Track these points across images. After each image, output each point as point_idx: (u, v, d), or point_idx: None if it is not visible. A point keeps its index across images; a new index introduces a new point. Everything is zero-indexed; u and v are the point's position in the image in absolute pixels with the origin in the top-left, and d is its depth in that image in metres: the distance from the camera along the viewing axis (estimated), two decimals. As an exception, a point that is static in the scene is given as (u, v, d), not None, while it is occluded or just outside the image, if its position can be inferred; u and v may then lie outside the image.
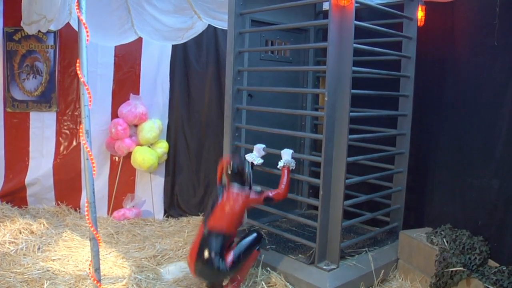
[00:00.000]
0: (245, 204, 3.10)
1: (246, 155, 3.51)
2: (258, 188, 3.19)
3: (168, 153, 5.05)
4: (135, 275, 3.44)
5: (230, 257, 2.92)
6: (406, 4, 3.68)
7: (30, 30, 4.59)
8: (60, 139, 5.06)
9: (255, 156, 3.49)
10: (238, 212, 3.05)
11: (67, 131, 5.05)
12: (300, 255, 3.43)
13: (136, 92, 4.98)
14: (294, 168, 3.36)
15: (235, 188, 3.11)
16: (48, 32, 4.83)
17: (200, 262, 2.90)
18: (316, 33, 4.38)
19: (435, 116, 3.74)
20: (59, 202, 5.02)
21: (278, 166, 3.35)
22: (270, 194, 3.17)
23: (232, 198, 3.07)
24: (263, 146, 3.51)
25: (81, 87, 2.54)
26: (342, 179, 3.15)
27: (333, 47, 3.09)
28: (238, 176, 3.14)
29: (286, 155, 3.35)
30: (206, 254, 2.88)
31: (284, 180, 3.25)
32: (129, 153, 4.87)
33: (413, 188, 3.86)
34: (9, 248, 3.81)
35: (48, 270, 3.44)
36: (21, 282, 3.24)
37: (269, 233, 3.83)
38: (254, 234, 3.14)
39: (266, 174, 3.58)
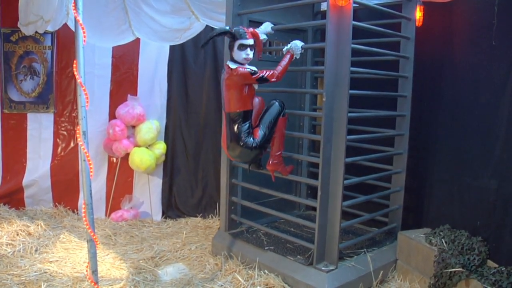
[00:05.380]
0: (237, 80, 3.04)
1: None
2: (254, 68, 3.10)
3: (166, 154, 5.04)
4: (133, 277, 3.43)
5: (258, 131, 3.15)
6: (404, 5, 3.67)
7: (27, 31, 4.57)
8: (58, 140, 5.04)
9: (261, 30, 3.26)
10: (237, 90, 3.07)
11: (65, 132, 5.03)
12: (298, 256, 3.42)
13: (134, 93, 4.97)
14: (298, 57, 3.25)
15: (229, 64, 3.09)
16: (46, 33, 4.81)
17: (231, 144, 3.15)
18: (314, 34, 4.37)
19: (433, 116, 3.74)
20: (56, 204, 5.00)
21: (283, 50, 3.24)
22: (264, 75, 3.06)
23: (228, 77, 3.07)
24: (271, 25, 3.34)
25: (78, 88, 2.53)
26: (341, 179, 3.14)
27: (331, 47, 3.08)
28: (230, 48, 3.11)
29: (296, 42, 3.21)
30: (234, 136, 3.11)
31: (283, 63, 3.13)
32: (127, 154, 4.85)
33: (411, 188, 3.85)
34: (6, 250, 3.79)
35: (46, 272, 3.43)
36: (18, 284, 3.22)
37: (267, 234, 3.82)
38: (275, 103, 3.25)
39: (263, 175, 3.58)
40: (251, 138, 3.12)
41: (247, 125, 3.13)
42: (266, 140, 3.19)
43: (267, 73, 3.06)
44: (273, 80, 3.07)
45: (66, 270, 3.50)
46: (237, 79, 3.04)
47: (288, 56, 3.17)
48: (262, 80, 3.06)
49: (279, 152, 3.35)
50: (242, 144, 3.11)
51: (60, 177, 4.99)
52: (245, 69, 3.04)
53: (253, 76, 3.03)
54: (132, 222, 4.81)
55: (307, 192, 4.57)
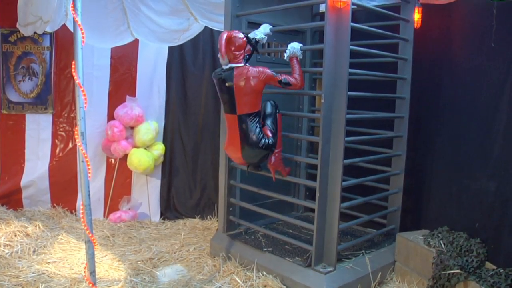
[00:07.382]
0: (263, 80, 3.11)
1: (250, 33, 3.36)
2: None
3: (165, 155, 5.03)
4: (131, 278, 3.42)
5: (267, 131, 3.21)
6: (403, 6, 3.68)
7: (26, 31, 4.57)
8: (56, 141, 5.04)
9: (260, 32, 3.32)
10: (259, 92, 3.13)
11: (63, 133, 5.03)
12: (296, 257, 3.42)
13: (133, 94, 4.97)
14: (301, 58, 3.27)
15: (244, 66, 3.13)
16: (44, 33, 4.81)
17: (248, 147, 3.16)
18: (312, 35, 4.38)
19: (432, 118, 3.74)
20: (54, 205, 5.00)
21: (285, 57, 3.28)
22: (289, 79, 3.14)
23: (246, 77, 3.08)
24: (270, 26, 3.38)
25: (76, 89, 2.53)
26: (339, 181, 3.14)
27: (330, 49, 3.08)
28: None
29: (293, 45, 3.24)
30: (250, 138, 3.13)
31: (297, 70, 3.18)
32: (125, 155, 4.85)
33: (410, 190, 3.85)
34: (4, 251, 3.78)
35: (43, 273, 3.42)
36: (16, 285, 3.22)
37: (266, 235, 3.82)
38: (268, 103, 3.33)
39: (261, 176, 3.58)
40: (265, 138, 3.17)
41: (259, 126, 3.18)
42: (276, 138, 3.25)
43: (285, 77, 3.14)
44: (297, 87, 3.18)
45: (64, 271, 3.49)
46: (261, 81, 3.10)
47: (295, 61, 3.22)
48: (285, 84, 3.14)
49: (278, 150, 3.37)
50: (260, 145, 3.15)
51: (58, 178, 4.98)
52: (269, 70, 3.14)
53: (277, 78, 3.13)
54: (131, 223, 4.80)
55: (306, 194, 4.57)
